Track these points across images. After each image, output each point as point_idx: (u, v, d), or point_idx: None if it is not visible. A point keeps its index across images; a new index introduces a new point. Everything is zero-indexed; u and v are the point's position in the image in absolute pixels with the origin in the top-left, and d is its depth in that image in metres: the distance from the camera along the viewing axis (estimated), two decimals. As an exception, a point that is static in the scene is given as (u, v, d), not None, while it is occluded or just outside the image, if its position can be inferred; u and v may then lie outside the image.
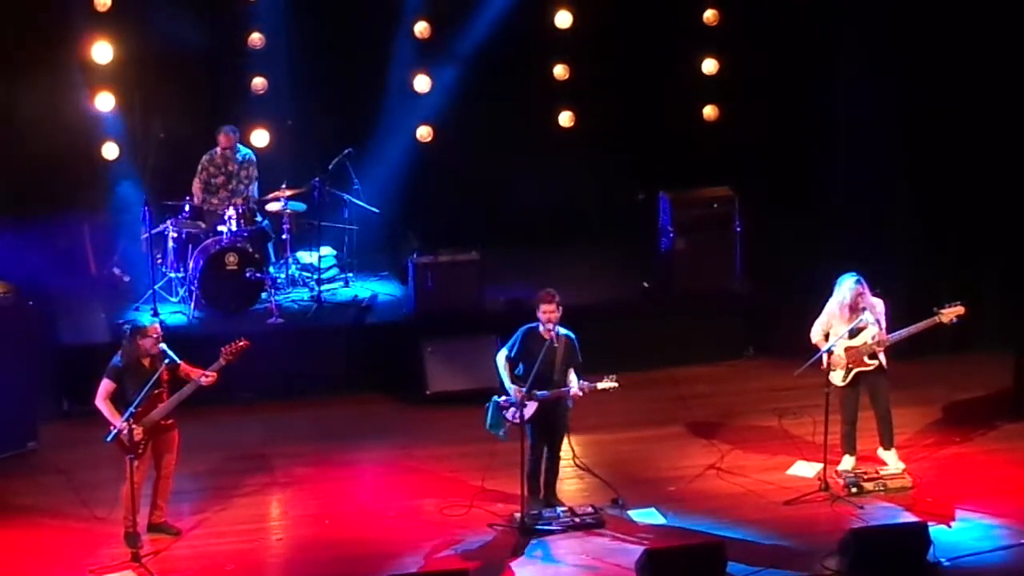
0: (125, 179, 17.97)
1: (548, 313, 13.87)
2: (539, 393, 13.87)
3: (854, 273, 14.49)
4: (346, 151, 17.71)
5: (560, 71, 18.92)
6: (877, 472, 14.66)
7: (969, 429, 15.79)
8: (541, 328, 13.93)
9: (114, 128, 18.07)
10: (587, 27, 18.81)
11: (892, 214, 17.63)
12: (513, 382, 13.94)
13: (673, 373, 17.27)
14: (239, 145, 17.71)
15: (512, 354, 14.05)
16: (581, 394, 13.96)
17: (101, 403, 13.51)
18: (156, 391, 13.44)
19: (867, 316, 14.39)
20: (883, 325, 14.49)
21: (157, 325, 13.67)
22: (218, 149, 17.69)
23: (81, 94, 17.86)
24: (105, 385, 13.51)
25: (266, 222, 17.53)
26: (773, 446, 15.52)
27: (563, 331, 13.96)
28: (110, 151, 18.09)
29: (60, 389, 16.24)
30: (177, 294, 17.34)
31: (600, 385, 13.94)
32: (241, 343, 13.63)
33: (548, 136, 18.99)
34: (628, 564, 12.66)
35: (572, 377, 14.01)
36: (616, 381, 13.94)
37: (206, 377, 13.49)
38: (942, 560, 13.12)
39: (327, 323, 17.33)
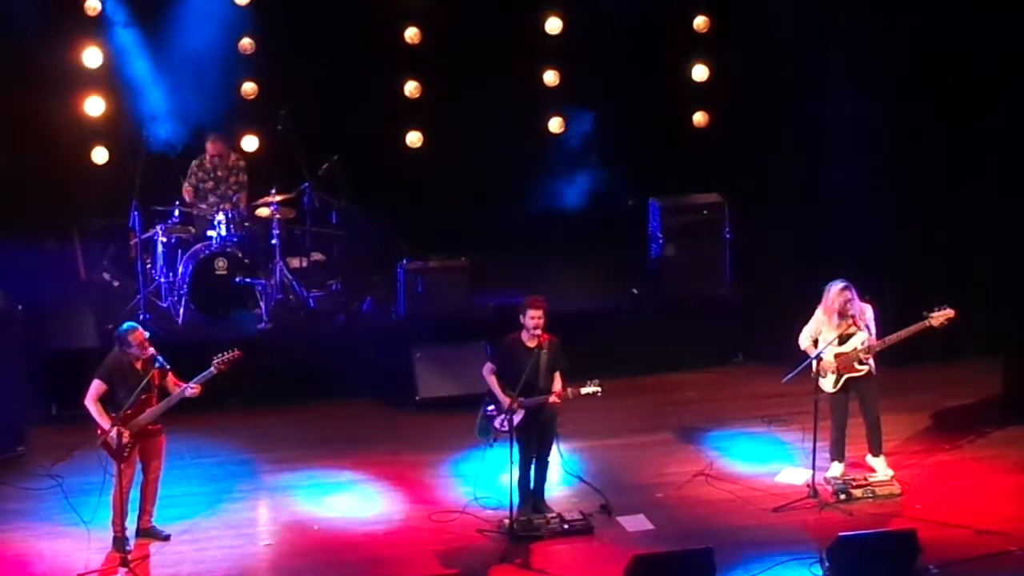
0: (115, 184, 17.90)
1: (536, 319, 13.88)
2: (525, 400, 13.87)
3: (842, 279, 14.50)
4: (335, 157, 17.72)
5: (550, 77, 18.92)
6: (866, 479, 14.67)
7: (958, 436, 15.81)
8: (524, 335, 13.94)
9: (104, 133, 18.05)
10: (577, 33, 18.81)
11: (882, 220, 17.64)
12: (504, 391, 13.94)
13: (662, 379, 17.27)
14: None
15: (496, 366, 14.06)
16: (570, 397, 13.96)
17: (91, 403, 13.48)
18: (145, 395, 13.43)
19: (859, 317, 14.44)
20: (872, 331, 14.51)
21: (140, 331, 13.61)
22: (206, 155, 17.68)
23: (71, 99, 17.84)
24: (96, 385, 13.49)
25: None
26: (762, 453, 15.53)
27: (547, 335, 13.98)
28: (100, 156, 18.08)
29: (49, 393, 16.21)
30: (167, 299, 17.32)
31: (584, 390, 13.95)
32: (234, 353, 13.59)
33: (538, 142, 18.99)
34: (616, 570, 12.64)
35: (557, 380, 14.02)
36: (599, 385, 13.94)
37: (191, 389, 13.47)
38: (930, 567, 13.13)
39: (316, 328, 17.33)
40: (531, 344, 13.94)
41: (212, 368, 13.51)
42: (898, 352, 14.80)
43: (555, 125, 19.09)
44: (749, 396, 16.83)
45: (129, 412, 13.38)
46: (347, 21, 18.19)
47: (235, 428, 16.19)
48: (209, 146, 17.62)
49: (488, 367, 14.14)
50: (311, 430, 16.20)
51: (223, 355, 13.58)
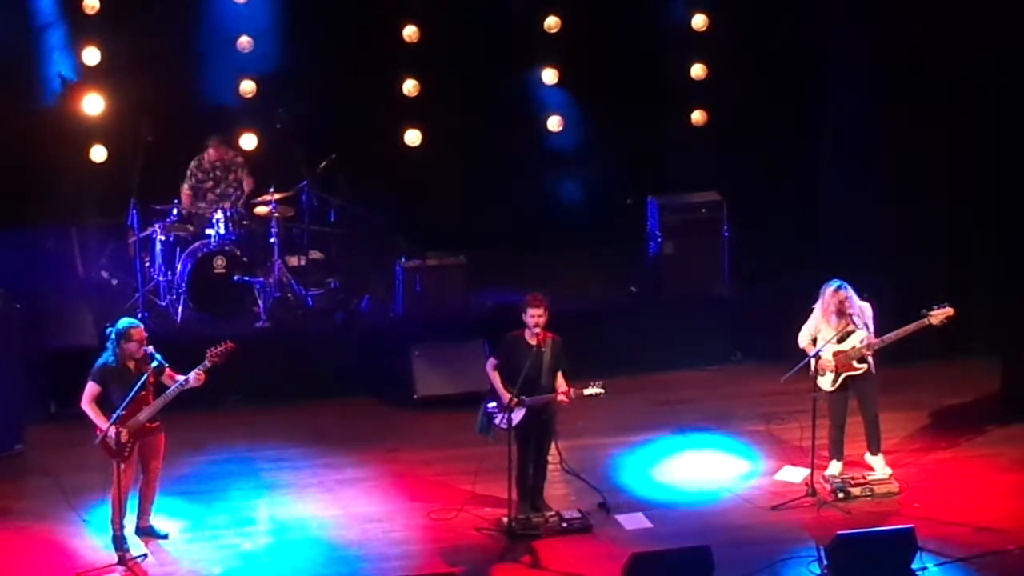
0: (113, 182, 17.89)
1: (536, 317, 13.87)
2: (528, 399, 13.87)
3: (836, 279, 14.50)
4: (333, 155, 17.71)
5: (549, 75, 18.90)
6: (864, 477, 14.66)
7: (957, 434, 15.81)
8: (527, 333, 13.93)
9: (102, 131, 18.03)
10: (575, 32, 18.80)
11: (881, 218, 17.63)
12: (506, 388, 13.93)
13: (661, 377, 17.26)
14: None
15: (499, 362, 14.05)
16: (567, 401, 13.96)
17: (86, 406, 13.47)
18: (142, 393, 13.42)
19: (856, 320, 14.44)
20: (871, 329, 14.50)
21: (141, 328, 13.62)
22: (205, 155, 17.67)
23: (68, 97, 17.82)
24: (90, 388, 13.48)
25: None
26: (761, 451, 15.53)
27: (550, 333, 13.97)
28: (98, 154, 18.06)
29: (47, 392, 16.22)
30: (165, 298, 17.31)
31: (587, 391, 13.94)
32: (227, 345, 13.59)
33: (537, 140, 18.98)
34: (615, 569, 12.64)
35: (560, 380, 14.01)
36: (603, 387, 13.93)
37: (196, 376, 13.44)
38: (928, 565, 13.12)
39: (314, 327, 17.33)
40: (533, 342, 13.94)
41: (206, 361, 13.48)
42: (897, 350, 14.79)
43: (554, 123, 19.07)
44: (748, 394, 16.82)
45: (126, 413, 13.37)
46: (346, 19, 18.17)
47: (233, 427, 16.17)
48: (212, 152, 17.62)
49: (491, 362, 14.13)
50: (309, 429, 16.19)
51: (216, 347, 13.57)
